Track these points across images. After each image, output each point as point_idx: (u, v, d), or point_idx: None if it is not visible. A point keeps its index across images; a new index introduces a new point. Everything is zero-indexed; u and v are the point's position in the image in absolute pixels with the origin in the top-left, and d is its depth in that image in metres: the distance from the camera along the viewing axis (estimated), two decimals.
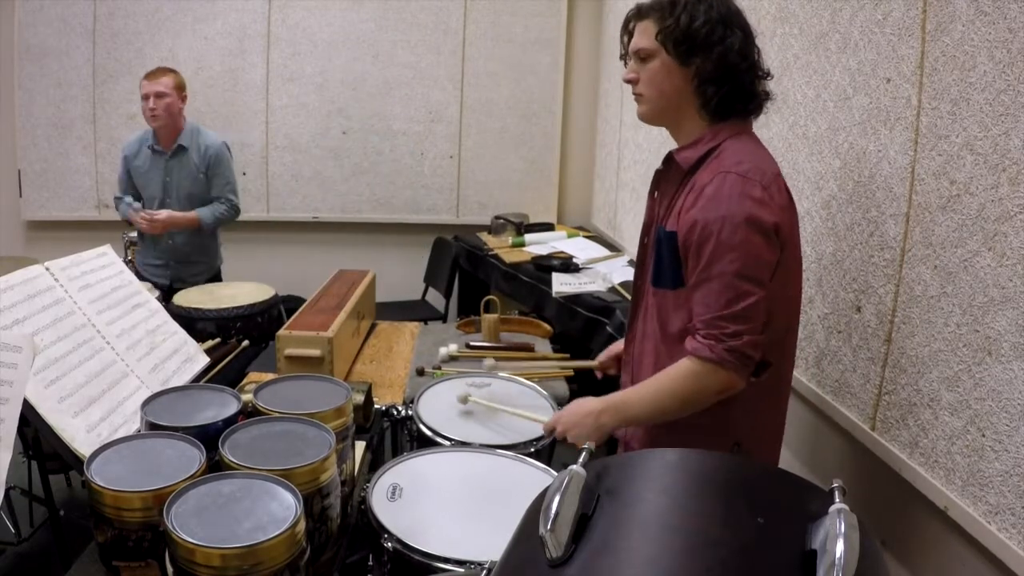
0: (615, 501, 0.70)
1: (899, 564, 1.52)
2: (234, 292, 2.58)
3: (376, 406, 1.70)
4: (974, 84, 1.28)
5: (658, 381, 1.35)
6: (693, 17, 1.31)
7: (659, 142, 3.21)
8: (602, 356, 1.75)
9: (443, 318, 4.23)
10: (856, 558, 0.60)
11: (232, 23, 4.21)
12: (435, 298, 4.40)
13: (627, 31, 1.43)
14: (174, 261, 3.18)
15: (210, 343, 2.09)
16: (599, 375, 1.78)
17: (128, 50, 4.15)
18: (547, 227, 4.15)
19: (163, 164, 3.11)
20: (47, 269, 1.44)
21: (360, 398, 1.58)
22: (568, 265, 3.32)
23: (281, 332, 1.89)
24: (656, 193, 1.50)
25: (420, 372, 2.01)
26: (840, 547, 0.60)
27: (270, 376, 1.48)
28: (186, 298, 2.43)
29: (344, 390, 1.28)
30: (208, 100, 4.26)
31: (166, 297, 2.59)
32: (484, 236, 4.19)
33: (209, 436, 1.10)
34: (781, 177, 1.34)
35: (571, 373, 2.05)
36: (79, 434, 1.22)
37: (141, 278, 2.55)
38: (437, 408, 1.63)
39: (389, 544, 1.13)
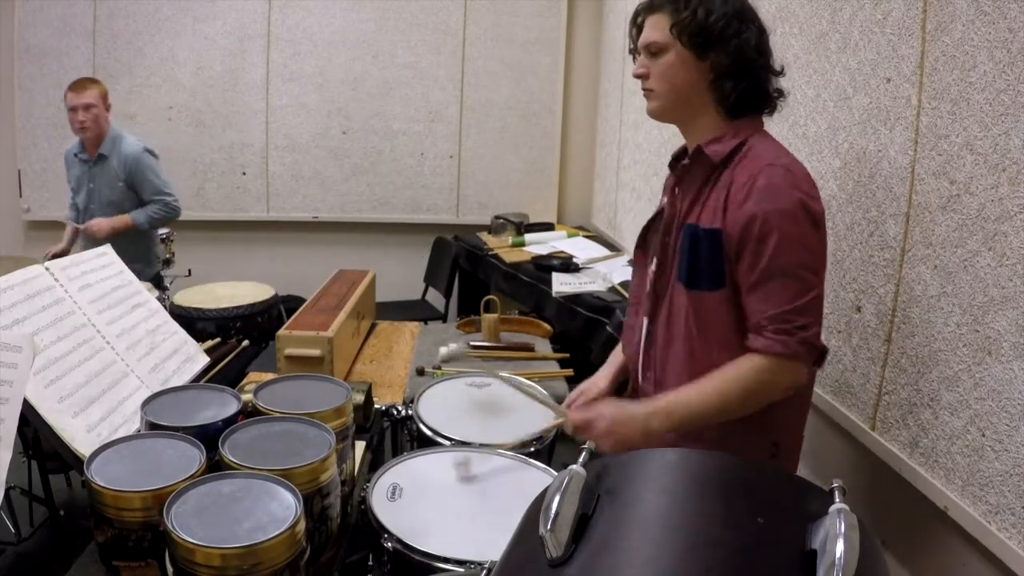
0: (615, 501, 0.70)
1: (899, 564, 1.52)
2: (234, 292, 2.59)
3: (376, 406, 1.70)
4: (974, 84, 1.28)
5: (721, 381, 1.27)
6: (709, 11, 1.28)
7: (659, 142, 3.21)
8: (578, 408, 1.47)
9: (443, 318, 4.23)
10: (856, 558, 0.60)
11: (232, 23, 4.21)
12: (435, 298, 4.40)
13: (636, 25, 1.39)
14: None
15: (210, 343, 2.09)
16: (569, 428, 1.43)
17: (128, 50, 4.16)
18: (547, 227, 4.15)
19: (88, 172, 3.21)
20: (47, 269, 1.44)
21: (360, 398, 1.58)
22: (568, 265, 3.32)
23: (281, 332, 1.89)
24: (677, 189, 1.42)
25: (420, 372, 2.01)
26: (840, 547, 0.60)
27: (270, 376, 1.48)
28: (186, 298, 2.43)
29: (344, 390, 1.28)
30: (208, 100, 4.27)
31: None
32: (484, 236, 4.19)
33: (209, 436, 1.10)
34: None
35: (571, 373, 2.05)
36: (79, 434, 1.22)
37: None
38: (437, 408, 1.63)
39: (389, 544, 1.12)
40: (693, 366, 1.35)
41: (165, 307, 2.28)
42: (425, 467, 1.36)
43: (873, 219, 1.59)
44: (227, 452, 1.06)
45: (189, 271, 3.07)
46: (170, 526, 0.88)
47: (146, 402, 1.21)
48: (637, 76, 1.39)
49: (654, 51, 1.34)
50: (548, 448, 1.55)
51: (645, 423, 1.29)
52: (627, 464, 0.76)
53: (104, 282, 1.55)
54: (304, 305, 2.14)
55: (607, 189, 4.25)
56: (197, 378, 1.62)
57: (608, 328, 2.66)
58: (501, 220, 4.18)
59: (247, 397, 1.24)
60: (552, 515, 0.67)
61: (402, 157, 4.46)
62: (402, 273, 4.46)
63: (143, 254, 3.28)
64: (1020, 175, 1.18)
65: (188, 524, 0.89)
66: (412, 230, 4.56)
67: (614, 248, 3.76)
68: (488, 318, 2.31)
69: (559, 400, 1.59)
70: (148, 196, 3.21)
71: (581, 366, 2.24)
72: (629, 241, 3.67)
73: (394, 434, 1.79)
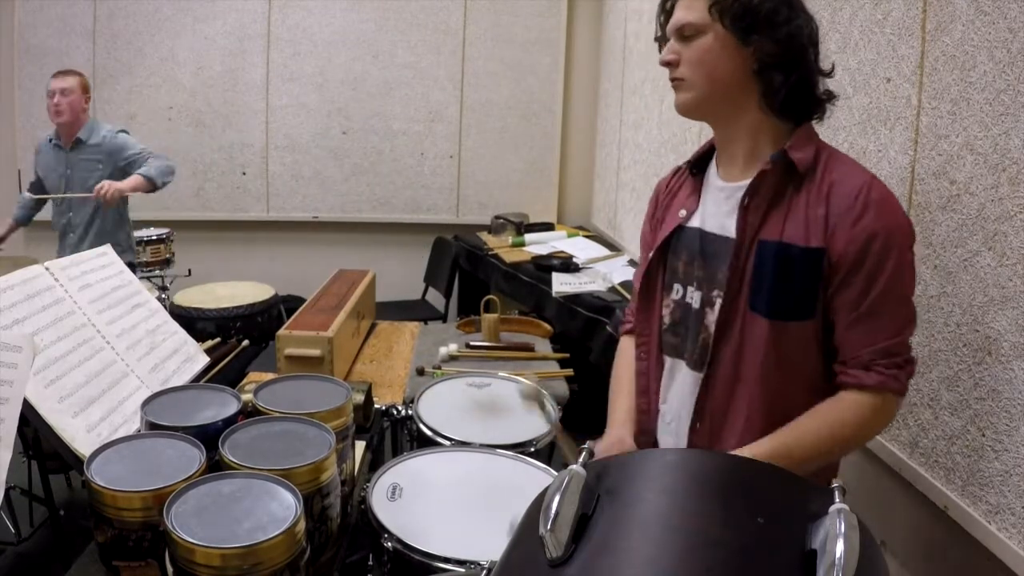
0: (615, 501, 0.70)
1: (899, 564, 1.52)
2: (234, 292, 2.59)
3: (376, 406, 1.70)
4: (974, 84, 1.28)
5: (825, 425, 1.12)
6: None
7: (659, 142, 3.21)
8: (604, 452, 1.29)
9: (443, 318, 4.23)
10: (856, 558, 0.60)
11: (232, 23, 4.22)
12: (435, 298, 4.40)
13: (665, 10, 1.22)
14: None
15: (210, 343, 2.09)
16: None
17: (128, 50, 4.16)
18: (547, 227, 4.15)
19: (64, 158, 3.23)
20: (47, 269, 1.44)
21: (360, 398, 1.58)
22: (568, 265, 3.32)
23: (281, 332, 1.89)
24: (748, 201, 1.16)
25: (420, 372, 2.01)
26: (840, 547, 0.60)
27: (270, 376, 1.48)
28: (186, 298, 2.43)
29: (344, 390, 1.28)
30: (208, 100, 4.27)
31: None
32: (484, 236, 4.20)
33: (209, 436, 1.10)
34: None
35: (571, 373, 2.05)
36: (79, 434, 1.21)
37: None
38: (437, 408, 1.62)
39: (389, 544, 1.12)
40: (773, 408, 1.16)
41: (165, 307, 2.29)
42: (425, 467, 1.36)
43: None
44: (227, 452, 1.06)
45: (189, 271, 3.08)
46: (170, 526, 0.88)
47: (146, 402, 1.21)
48: (665, 64, 1.20)
49: (688, 34, 1.15)
50: (548, 448, 1.55)
51: None
52: (627, 464, 0.76)
53: (104, 282, 1.55)
54: (304, 305, 2.14)
55: (607, 189, 4.25)
56: (197, 378, 1.62)
57: (608, 328, 2.66)
58: (501, 220, 4.18)
59: (247, 397, 1.24)
60: (552, 515, 0.67)
61: (402, 157, 4.47)
62: (402, 273, 4.47)
63: (120, 245, 3.29)
64: (1020, 175, 1.18)
65: (188, 524, 0.89)
66: (412, 230, 4.56)
67: (614, 248, 3.76)
68: (488, 318, 2.31)
69: (559, 401, 1.58)
70: (139, 159, 3.22)
71: (581, 366, 2.24)
72: (629, 241, 3.67)
73: (394, 434, 1.79)
